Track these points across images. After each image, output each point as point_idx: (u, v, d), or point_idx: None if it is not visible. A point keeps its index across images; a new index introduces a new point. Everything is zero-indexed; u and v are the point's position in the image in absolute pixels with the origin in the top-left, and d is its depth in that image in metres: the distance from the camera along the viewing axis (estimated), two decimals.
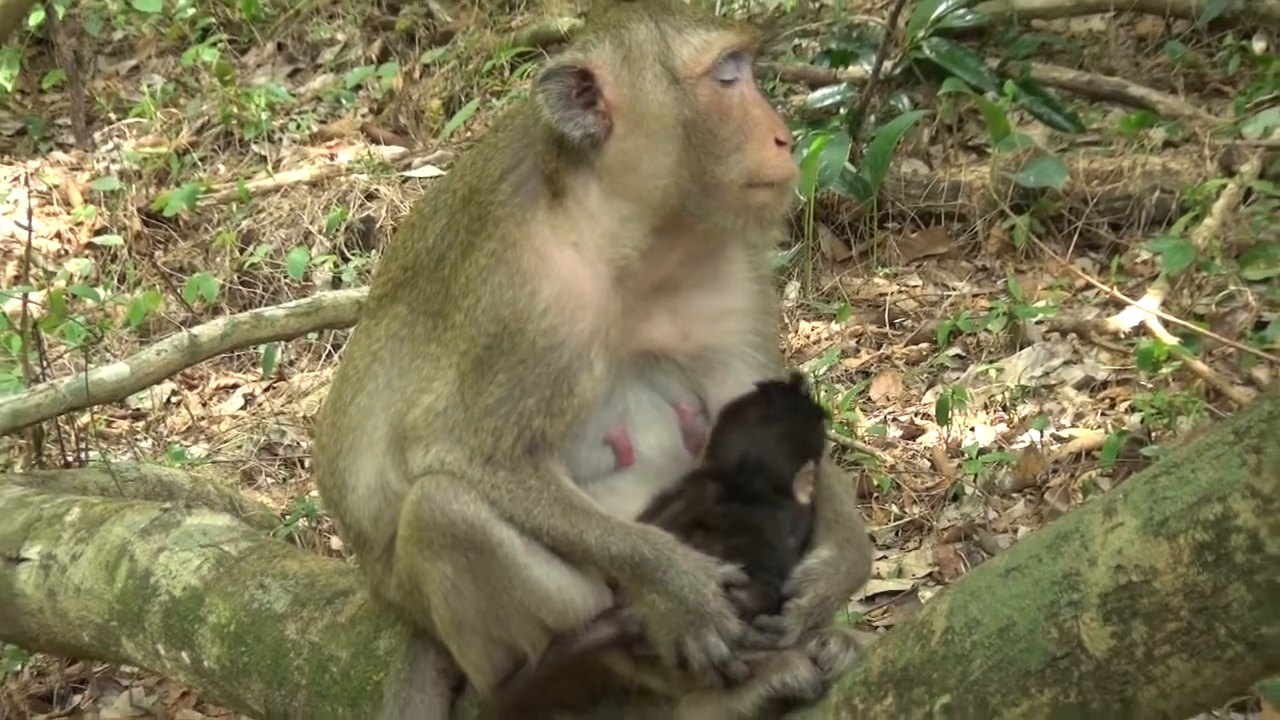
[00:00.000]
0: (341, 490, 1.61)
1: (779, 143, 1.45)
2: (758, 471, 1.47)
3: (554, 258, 1.46)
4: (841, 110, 3.58)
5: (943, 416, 2.71)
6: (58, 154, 4.88)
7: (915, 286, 3.31)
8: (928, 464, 2.72)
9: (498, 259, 1.46)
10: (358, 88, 4.88)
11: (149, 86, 4.99)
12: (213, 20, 5.23)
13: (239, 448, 3.35)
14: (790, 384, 1.53)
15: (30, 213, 3.25)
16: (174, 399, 3.72)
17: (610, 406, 1.50)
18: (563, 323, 1.44)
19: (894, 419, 2.88)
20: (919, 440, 2.81)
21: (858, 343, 3.18)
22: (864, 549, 1.52)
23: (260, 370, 3.64)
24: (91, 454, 2.89)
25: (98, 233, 4.37)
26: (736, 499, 1.46)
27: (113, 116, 4.94)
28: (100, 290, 3.94)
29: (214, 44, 4.98)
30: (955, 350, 3.04)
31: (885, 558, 2.39)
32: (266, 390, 3.73)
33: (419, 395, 1.51)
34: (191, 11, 5.27)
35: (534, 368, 1.44)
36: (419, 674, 1.63)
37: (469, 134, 4.41)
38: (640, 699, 1.50)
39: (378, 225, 4.12)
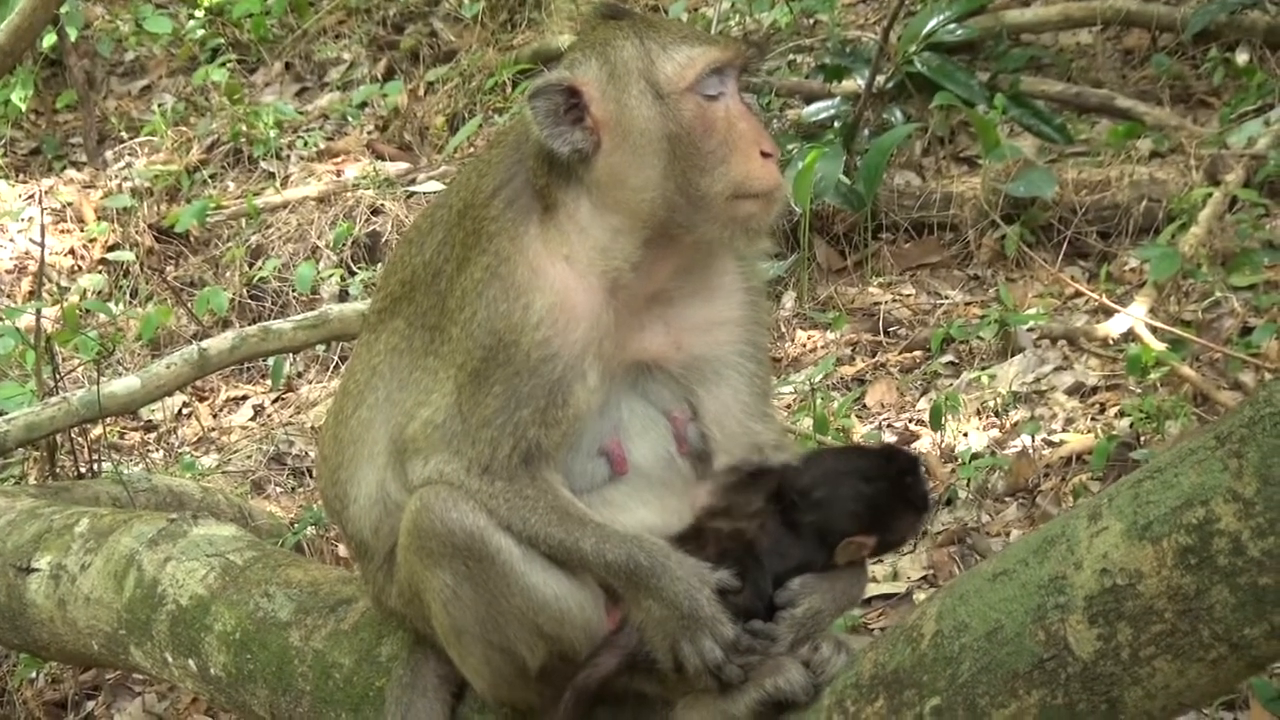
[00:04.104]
0: (343, 501, 1.64)
1: (764, 155, 1.47)
2: (811, 508, 1.46)
3: (547, 271, 1.48)
4: (836, 124, 3.60)
5: (936, 422, 2.72)
6: (71, 172, 4.94)
7: (909, 295, 3.33)
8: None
9: (492, 273, 1.48)
10: (363, 105, 4.92)
11: (160, 106, 5.05)
12: (222, 41, 5.28)
13: (248, 458, 3.38)
14: (908, 462, 1.50)
15: (44, 230, 3.31)
16: (185, 411, 3.76)
17: (604, 417, 1.52)
18: (556, 334, 1.47)
19: (889, 425, 2.89)
20: (913, 445, 2.82)
21: (853, 351, 3.20)
22: (860, 569, 1.55)
23: (269, 382, 3.66)
24: (104, 465, 2.93)
25: (110, 249, 4.42)
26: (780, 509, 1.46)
27: (124, 135, 5.00)
28: (112, 305, 3.98)
29: (223, 64, 5.04)
30: (948, 357, 3.06)
31: (880, 561, 2.41)
32: (275, 402, 3.76)
33: (417, 408, 1.53)
34: (201, 33, 5.34)
35: (529, 379, 1.47)
36: (420, 680, 1.65)
37: (472, 150, 4.45)
38: (636, 703, 1.52)
39: (383, 240, 4.16)
